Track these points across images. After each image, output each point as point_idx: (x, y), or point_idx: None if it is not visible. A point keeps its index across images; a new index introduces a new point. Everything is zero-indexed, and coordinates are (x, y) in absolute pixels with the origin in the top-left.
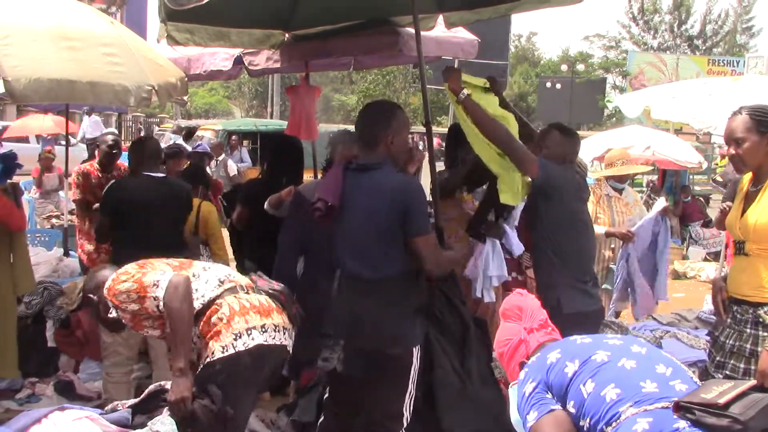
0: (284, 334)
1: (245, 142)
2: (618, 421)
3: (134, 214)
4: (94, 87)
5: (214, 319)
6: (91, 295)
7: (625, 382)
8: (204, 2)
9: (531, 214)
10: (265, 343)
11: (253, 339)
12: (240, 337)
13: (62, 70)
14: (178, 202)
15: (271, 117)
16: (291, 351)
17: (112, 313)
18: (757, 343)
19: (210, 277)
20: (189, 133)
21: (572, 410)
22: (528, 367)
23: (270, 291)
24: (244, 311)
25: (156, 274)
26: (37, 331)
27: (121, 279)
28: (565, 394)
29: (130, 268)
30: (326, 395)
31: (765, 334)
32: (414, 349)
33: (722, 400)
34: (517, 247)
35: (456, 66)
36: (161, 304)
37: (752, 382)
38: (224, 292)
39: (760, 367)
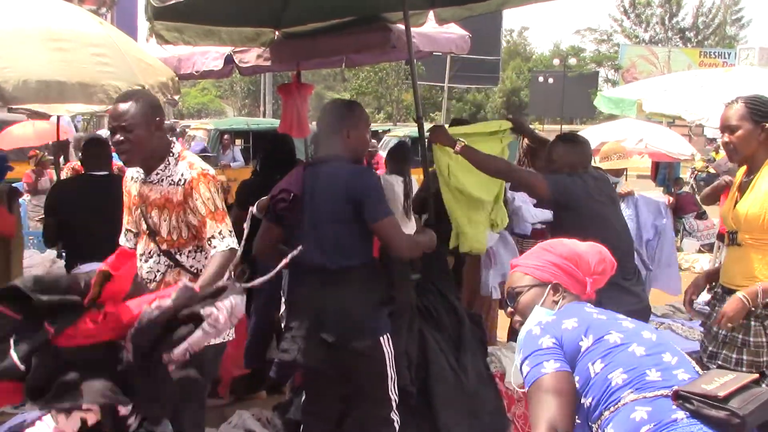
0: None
1: (237, 141)
2: (617, 406)
3: (77, 215)
4: (85, 88)
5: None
6: None
7: (633, 368)
8: None
9: (557, 230)
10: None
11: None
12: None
13: (51, 71)
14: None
15: (264, 116)
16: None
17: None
18: (749, 333)
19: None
20: (170, 128)
21: (577, 385)
22: (544, 326)
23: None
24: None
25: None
26: None
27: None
28: (574, 366)
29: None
30: (303, 399)
31: (756, 324)
32: (381, 338)
33: (722, 393)
34: (523, 228)
35: (449, 61)
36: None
37: (754, 375)
38: None
39: (723, 309)
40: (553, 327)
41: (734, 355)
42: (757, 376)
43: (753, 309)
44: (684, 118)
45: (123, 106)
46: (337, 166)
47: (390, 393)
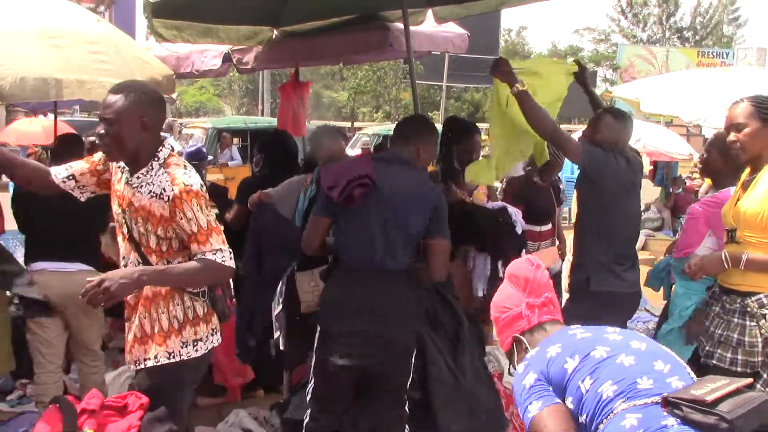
0: (218, 335)
1: (235, 140)
2: (609, 417)
3: (34, 214)
4: (82, 85)
5: (163, 320)
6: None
7: (622, 379)
8: None
9: (579, 194)
10: (207, 352)
11: (197, 351)
12: (186, 346)
13: (49, 69)
14: (86, 202)
15: (262, 114)
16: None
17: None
18: (744, 333)
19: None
20: (169, 127)
21: (570, 406)
22: (528, 360)
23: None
24: (195, 320)
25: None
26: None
27: (199, 193)
28: (564, 389)
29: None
30: (312, 396)
31: (752, 323)
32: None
33: (710, 398)
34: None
35: (447, 60)
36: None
37: (748, 380)
38: None
39: (701, 259)
40: (536, 359)
41: (729, 355)
42: (750, 380)
43: (749, 309)
44: (681, 118)
45: (111, 98)
46: (415, 172)
47: (406, 392)
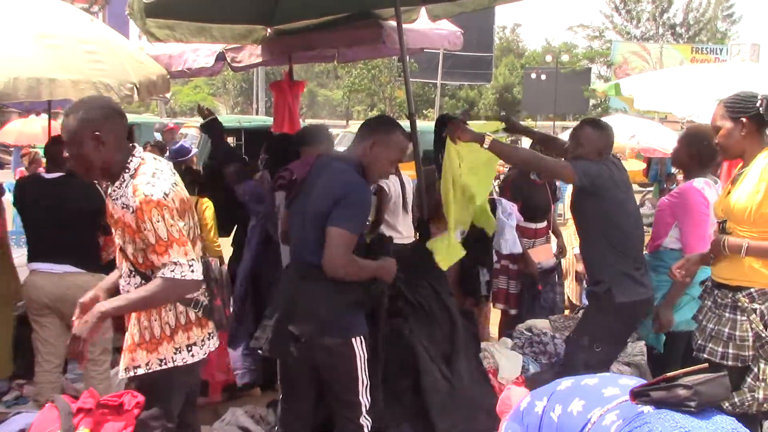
0: (215, 339)
1: (229, 139)
2: (588, 427)
3: (26, 215)
4: (76, 84)
5: (156, 327)
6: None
7: (588, 393)
8: None
9: (578, 214)
10: (203, 357)
11: (192, 356)
12: (180, 352)
13: (43, 68)
14: (76, 204)
15: (257, 113)
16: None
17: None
18: (735, 328)
19: None
20: (163, 127)
21: None
22: (505, 423)
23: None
24: (188, 326)
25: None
26: (23, 333)
27: (162, 203)
28: (540, 429)
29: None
30: (281, 395)
31: (743, 318)
32: (353, 339)
33: (670, 375)
34: (506, 248)
35: (442, 57)
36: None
37: (704, 365)
38: None
39: (685, 263)
40: (512, 416)
41: (720, 349)
42: (706, 365)
43: (740, 303)
44: (675, 114)
45: (64, 121)
46: (343, 167)
47: (360, 397)
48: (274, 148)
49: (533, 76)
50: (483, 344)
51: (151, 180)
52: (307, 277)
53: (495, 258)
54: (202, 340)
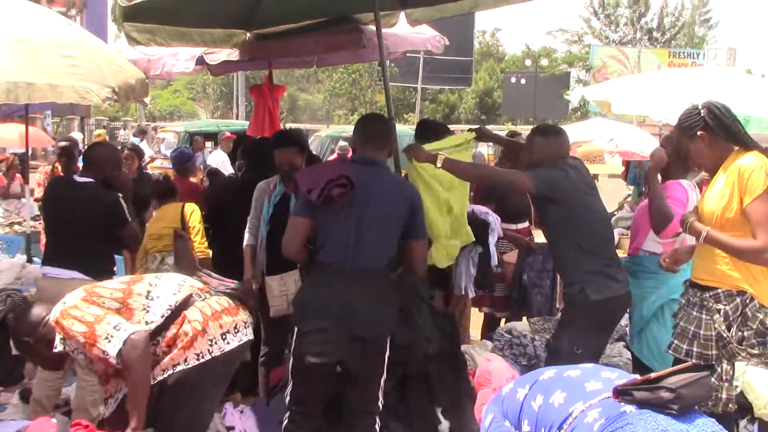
0: (249, 328)
1: (208, 144)
2: (569, 421)
3: (46, 215)
4: (53, 89)
5: (186, 328)
6: (27, 338)
7: (570, 385)
8: None
9: (543, 221)
10: (239, 344)
11: (228, 343)
12: (215, 342)
13: (20, 73)
14: (91, 209)
15: (237, 118)
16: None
17: (57, 347)
18: (701, 327)
19: (168, 283)
20: (141, 131)
21: (528, 428)
22: (486, 406)
23: (228, 291)
24: (216, 315)
25: (108, 327)
26: (1, 339)
27: (71, 315)
28: (519, 416)
29: (79, 303)
30: (290, 398)
31: (707, 317)
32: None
33: (654, 375)
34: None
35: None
36: (109, 356)
37: (688, 363)
38: (188, 298)
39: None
40: (493, 402)
41: (684, 346)
42: (690, 363)
43: (706, 303)
44: (651, 117)
45: None
46: (392, 174)
47: (380, 391)
48: (253, 152)
49: (513, 80)
50: (464, 347)
51: None
52: (369, 282)
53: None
54: (236, 327)
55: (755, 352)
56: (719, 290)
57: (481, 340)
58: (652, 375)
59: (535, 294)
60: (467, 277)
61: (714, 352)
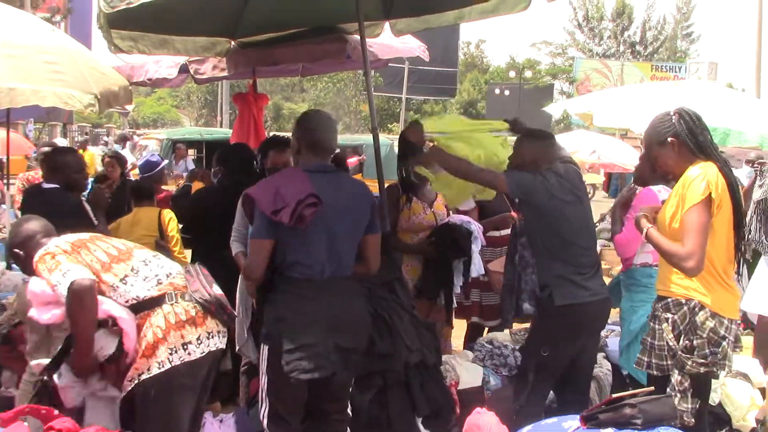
0: (219, 337)
1: (191, 152)
2: None
3: None
4: (36, 94)
5: (149, 334)
6: (17, 250)
7: (549, 428)
8: (135, 4)
9: (523, 217)
10: (202, 355)
11: (189, 354)
12: (176, 351)
13: (2, 78)
14: (57, 215)
15: (221, 126)
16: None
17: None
18: (655, 337)
19: (149, 274)
20: (123, 138)
21: None
22: None
23: (201, 301)
24: (179, 325)
25: (70, 265)
26: None
27: (49, 252)
28: None
29: (63, 244)
30: (269, 419)
31: (659, 327)
32: None
33: (616, 396)
34: (474, 271)
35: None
36: (60, 294)
37: (650, 388)
38: (159, 297)
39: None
40: None
41: (645, 358)
42: (652, 389)
43: (657, 312)
44: (633, 130)
45: None
46: (345, 177)
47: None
48: (231, 158)
49: (497, 91)
50: (445, 357)
51: None
52: (346, 291)
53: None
54: (198, 338)
55: (702, 361)
56: (669, 299)
57: (463, 349)
58: (614, 396)
59: (530, 273)
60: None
61: (669, 362)
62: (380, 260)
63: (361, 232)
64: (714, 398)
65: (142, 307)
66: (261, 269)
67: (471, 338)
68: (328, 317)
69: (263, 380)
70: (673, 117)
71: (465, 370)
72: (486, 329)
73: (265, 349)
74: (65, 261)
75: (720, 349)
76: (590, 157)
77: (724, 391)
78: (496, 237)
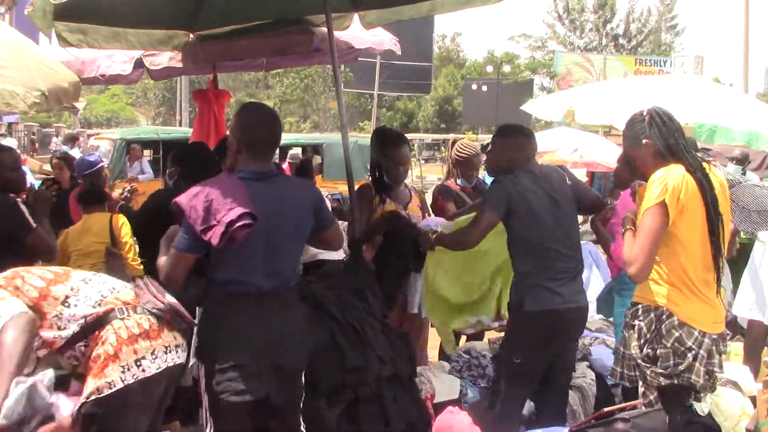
0: (177, 351)
1: (146, 152)
2: None
3: None
4: None
5: (99, 351)
6: None
7: None
8: None
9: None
10: (158, 371)
11: (143, 371)
12: (129, 369)
13: None
14: None
15: (180, 125)
16: (186, 363)
17: None
18: (626, 345)
19: (90, 292)
20: (71, 138)
21: None
22: None
23: (154, 311)
24: (132, 339)
25: (7, 303)
26: None
27: None
28: None
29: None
30: None
31: (627, 334)
32: None
33: (607, 409)
34: None
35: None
36: None
37: (637, 401)
38: (107, 313)
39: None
40: None
41: (618, 369)
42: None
43: (627, 319)
44: (616, 127)
45: None
46: (287, 178)
47: (301, 418)
48: (188, 158)
49: (474, 87)
50: (420, 368)
51: None
52: (285, 305)
53: None
54: (153, 352)
55: (662, 371)
56: (639, 305)
57: (438, 361)
58: (605, 410)
59: None
60: (418, 295)
61: (635, 372)
62: (343, 240)
63: (305, 238)
64: (703, 408)
65: (90, 329)
66: (180, 280)
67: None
68: (265, 334)
69: (204, 399)
70: (645, 117)
71: (441, 382)
72: (464, 338)
73: (201, 367)
74: (9, 291)
75: (684, 361)
76: (572, 156)
77: (714, 400)
78: None
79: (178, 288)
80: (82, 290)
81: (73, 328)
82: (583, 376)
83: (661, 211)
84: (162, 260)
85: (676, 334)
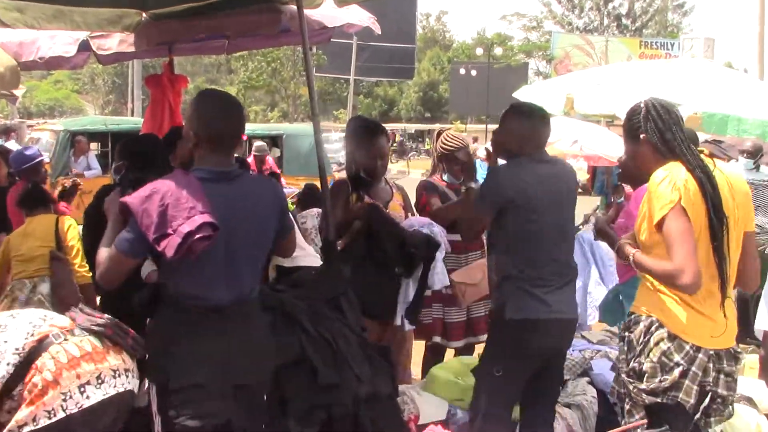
0: (127, 376)
1: (93, 145)
2: None
3: None
4: None
5: (36, 379)
6: None
7: None
8: None
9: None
10: (104, 397)
11: (87, 398)
12: (71, 397)
13: None
14: None
15: (132, 114)
16: (136, 392)
17: None
18: (618, 359)
19: (20, 324)
20: (4, 131)
21: None
22: None
23: (93, 328)
24: (73, 363)
25: None
26: None
27: None
28: None
29: None
30: None
31: (619, 346)
32: None
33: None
34: (438, 282)
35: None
36: None
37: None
38: (41, 342)
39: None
40: None
41: (616, 387)
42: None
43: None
44: (619, 116)
45: None
46: (249, 177)
47: None
48: (137, 151)
49: (462, 71)
50: (402, 387)
51: None
52: (251, 314)
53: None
54: (99, 377)
55: (644, 388)
56: (632, 316)
57: (422, 378)
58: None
59: None
60: (404, 304)
61: (624, 389)
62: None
63: (269, 243)
64: (714, 426)
65: (27, 361)
66: (117, 283)
67: (430, 362)
68: (224, 351)
69: (156, 421)
70: (642, 110)
71: (426, 402)
72: (453, 352)
73: (153, 387)
74: None
75: (669, 377)
76: (571, 148)
77: None
78: (460, 242)
79: (113, 288)
80: (10, 325)
81: (5, 368)
82: (584, 393)
83: (683, 210)
84: (103, 254)
85: (664, 347)
